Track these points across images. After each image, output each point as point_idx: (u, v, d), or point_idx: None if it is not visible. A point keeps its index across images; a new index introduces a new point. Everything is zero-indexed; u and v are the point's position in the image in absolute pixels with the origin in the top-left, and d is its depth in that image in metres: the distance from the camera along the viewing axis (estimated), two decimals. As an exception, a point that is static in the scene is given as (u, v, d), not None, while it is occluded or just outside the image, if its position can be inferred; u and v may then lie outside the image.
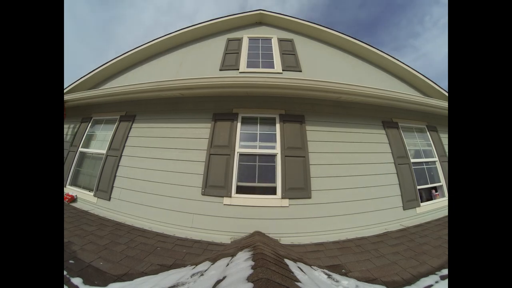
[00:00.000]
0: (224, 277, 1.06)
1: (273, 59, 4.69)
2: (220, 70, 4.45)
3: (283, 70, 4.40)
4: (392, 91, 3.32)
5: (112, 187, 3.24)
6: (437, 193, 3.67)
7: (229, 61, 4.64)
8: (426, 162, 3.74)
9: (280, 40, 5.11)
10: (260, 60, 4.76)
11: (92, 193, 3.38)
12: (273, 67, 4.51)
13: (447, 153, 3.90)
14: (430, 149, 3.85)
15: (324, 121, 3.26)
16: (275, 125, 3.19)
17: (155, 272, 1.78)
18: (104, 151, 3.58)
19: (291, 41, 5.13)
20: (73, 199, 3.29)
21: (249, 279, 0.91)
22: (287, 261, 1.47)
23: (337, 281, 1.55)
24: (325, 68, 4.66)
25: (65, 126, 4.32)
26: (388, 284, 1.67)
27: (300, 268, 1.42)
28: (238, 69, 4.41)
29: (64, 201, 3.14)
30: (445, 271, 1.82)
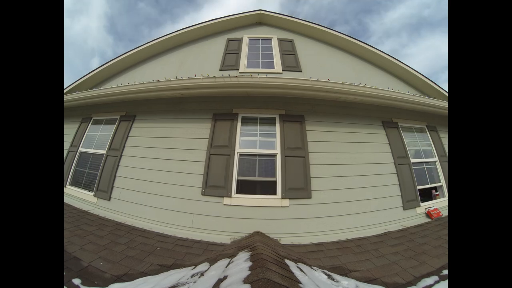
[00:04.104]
0: (224, 277, 1.06)
1: (273, 59, 4.69)
2: (220, 70, 4.45)
3: (283, 70, 4.40)
4: (392, 91, 3.32)
5: (112, 187, 3.23)
6: (437, 193, 3.67)
7: (229, 61, 4.65)
8: (426, 162, 3.74)
9: (280, 40, 5.11)
10: (260, 60, 4.76)
11: (92, 193, 3.38)
12: (273, 67, 4.52)
13: (447, 153, 3.90)
14: (430, 149, 3.85)
15: (324, 121, 3.26)
16: (275, 125, 3.19)
17: (155, 272, 1.78)
18: (103, 151, 3.59)
19: (291, 41, 5.13)
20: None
21: (247, 280, 0.91)
22: (287, 261, 1.46)
23: (337, 281, 1.55)
24: (325, 68, 4.66)
25: (65, 126, 4.32)
26: (388, 285, 1.67)
27: (300, 269, 1.42)
28: (238, 69, 4.41)
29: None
30: (445, 271, 1.82)
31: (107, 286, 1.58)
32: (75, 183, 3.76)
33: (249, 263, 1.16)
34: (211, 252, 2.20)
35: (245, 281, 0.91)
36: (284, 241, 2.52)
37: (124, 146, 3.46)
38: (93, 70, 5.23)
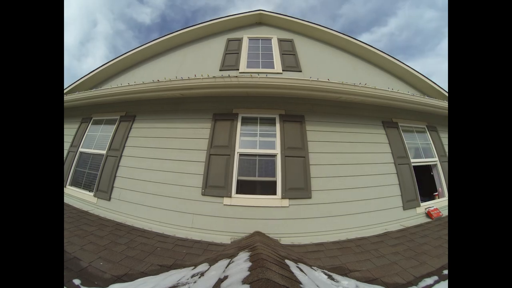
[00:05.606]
0: (224, 278, 1.06)
1: (273, 59, 4.69)
2: (220, 70, 4.45)
3: (283, 70, 4.40)
4: (392, 91, 3.32)
5: (112, 187, 3.23)
6: (436, 193, 3.67)
7: (229, 61, 4.65)
8: (426, 162, 3.74)
9: (280, 40, 5.11)
10: (260, 60, 4.76)
11: (92, 193, 3.38)
12: (273, 67, 4.52)
13: (447, 153, 3.90)
14: (430, 149, 3.85)
15: (324, 121, 3.26)
16: (275, 125, 3.19)
17: (155, 272, 1.78)
18: (103, 151, 3.59)
19: (291, 41, 5.13)
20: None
21: (247, 280, 0.91)
22: (287, 261, 1.46)
23: (337, 282, 1.55)
24: (325, 68, 4.66)
25: (65, 126, 4.32)
26: (388, 285, 1.67)
27: (300, 269, 1.42)
28: (238, 69, 4.41)
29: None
30: (445, 271, 1.82)
31: (107, 286, 1.58)
32: (75, 183, 3.76)
33: (249, 263, 1.16)
34: (211, 252, 2.20)
35: (245, 281, 0.91)
36: (284, 241, 2.52)
37: (124, 146, 3.46)
38: (93, 70, 5.23)
